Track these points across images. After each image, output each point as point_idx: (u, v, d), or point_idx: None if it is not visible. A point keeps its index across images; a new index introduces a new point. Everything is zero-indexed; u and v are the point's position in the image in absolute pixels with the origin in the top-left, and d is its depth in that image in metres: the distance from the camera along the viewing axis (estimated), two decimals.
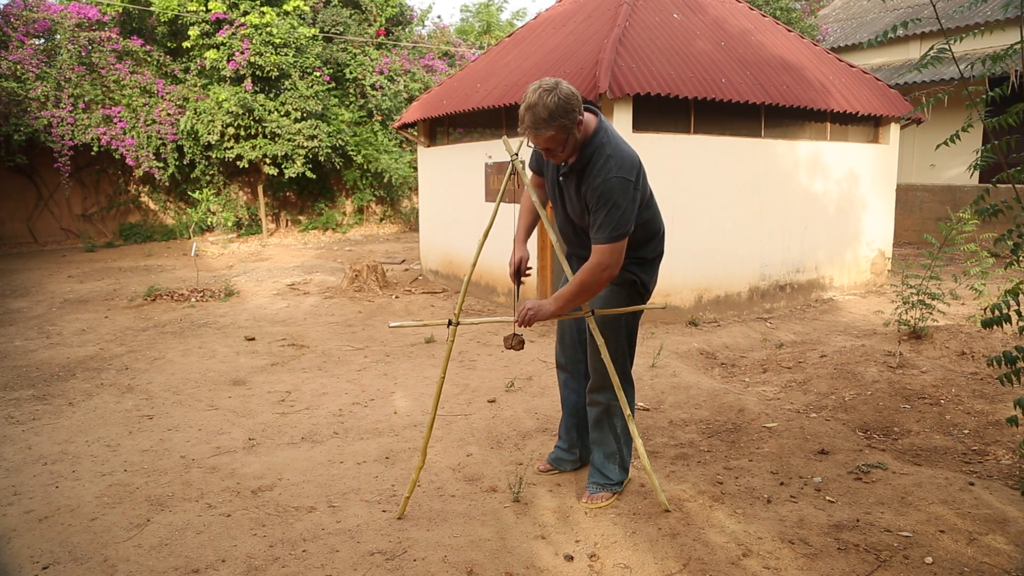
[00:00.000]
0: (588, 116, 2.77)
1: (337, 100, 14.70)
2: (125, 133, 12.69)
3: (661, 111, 6.49)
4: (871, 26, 15.68)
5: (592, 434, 3.16)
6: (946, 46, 2.70)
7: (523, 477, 3.32)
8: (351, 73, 14.77)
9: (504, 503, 3.10)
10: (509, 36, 9.49)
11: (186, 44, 13.08)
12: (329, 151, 13.81)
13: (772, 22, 8.64)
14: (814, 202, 7.77)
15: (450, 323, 2.89)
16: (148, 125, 12.90)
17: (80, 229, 14.17)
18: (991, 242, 3.64)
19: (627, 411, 2.96)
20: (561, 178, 2.86)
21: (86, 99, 12.53)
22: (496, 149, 7.54)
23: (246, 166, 13.60)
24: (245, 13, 12.87)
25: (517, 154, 2.97)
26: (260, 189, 14.67)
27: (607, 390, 3.00)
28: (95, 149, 12.59)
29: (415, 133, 9.78)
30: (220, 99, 12.78)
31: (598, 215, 2.67)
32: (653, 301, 3.24)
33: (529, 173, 3.11)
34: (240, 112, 12.73)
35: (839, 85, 7.80)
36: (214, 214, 13.79)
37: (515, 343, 2.96)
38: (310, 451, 3.76)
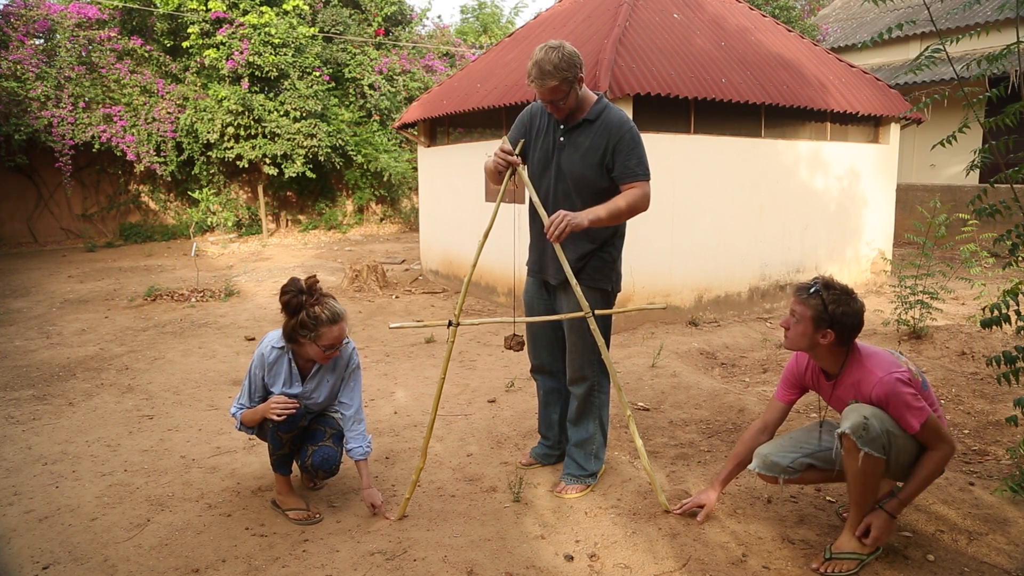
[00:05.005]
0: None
1: (337, 100, 14.69)
2: (125, 131, 12.69)
3: (661, 111, 6.49)
4: (871, 26, 15.68)
5: (572, 426, 3.24)
6: (940, 46, 2.70)
7: (523, 477, 3.32)
8: (350, 73, 14.77)
9: (504, 503, 3.10)
10: (509, 36, 9.49)
11: (186, 44, 13.08)
12: (329, 151, 13.80)
13: (772, 22, 8.64)
14: (814, 201, 7.77)
15: (450, 324, 2.89)
16: (148, 123, 12.90)
17: (80, 229, 14.16)
18: (991, 242, 3.64)
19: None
20: (562, 137, 3.03)
21: (86, 99, 12.52)
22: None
23: (246, 166, 13.60)
24: (245, 12, 12.86)
25: (517, 154, 2.98)
26: (260, 189, 14.66)
27: (586, 381, 3.12)
28: (96, 146, 12.59)
29: (415, 133, 9.78)
30: (220, 97, 12.78)
31: (631, 157, 2.98)
32: (653, 301, 3.28)
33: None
34: (240, 110, 12.72)
35: (839, 85, 7.80)
36: (214, 214, 13.77)
37: (515, 343, 2.96)
38: None
